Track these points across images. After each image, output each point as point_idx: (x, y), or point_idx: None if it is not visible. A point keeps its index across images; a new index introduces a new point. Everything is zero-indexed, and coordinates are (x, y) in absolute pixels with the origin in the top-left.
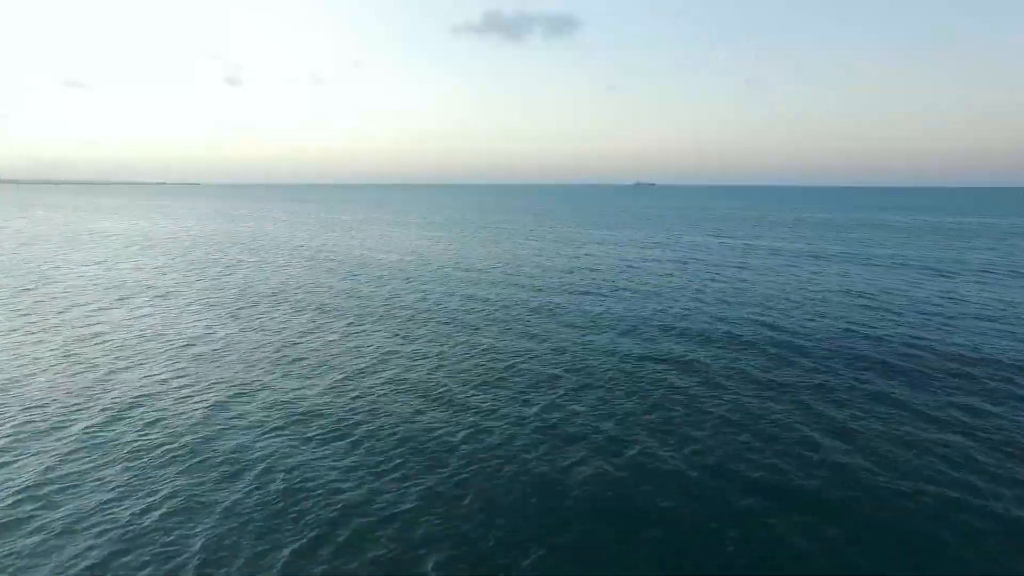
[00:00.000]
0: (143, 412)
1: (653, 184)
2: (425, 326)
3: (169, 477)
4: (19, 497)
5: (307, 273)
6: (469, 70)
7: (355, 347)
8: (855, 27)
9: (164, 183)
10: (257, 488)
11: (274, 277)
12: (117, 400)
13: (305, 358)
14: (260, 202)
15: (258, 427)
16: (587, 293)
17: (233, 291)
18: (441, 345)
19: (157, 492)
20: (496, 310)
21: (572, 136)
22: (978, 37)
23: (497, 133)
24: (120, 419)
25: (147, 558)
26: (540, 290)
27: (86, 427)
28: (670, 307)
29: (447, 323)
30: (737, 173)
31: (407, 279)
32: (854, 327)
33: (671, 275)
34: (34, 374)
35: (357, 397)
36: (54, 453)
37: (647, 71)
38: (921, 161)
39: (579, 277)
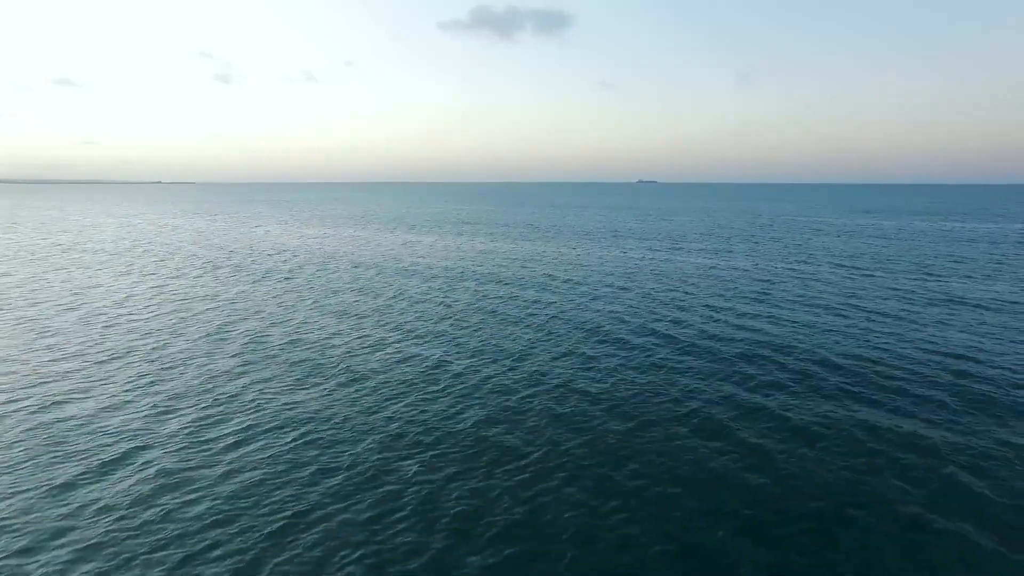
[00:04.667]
0: None
1: (655, 182)
2: None
3: None
4: None
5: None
6: (463, 68)
7: None
8: (850, 21)
9: (160, 182)
10: None
11: None
12: None
13: None
14: (229, 204)
15: None
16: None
17: None
18: None
19: None
20: None
21: (570, 134)
22: (978, 35)
23: (494, 131)
24: None
25: None
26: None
27: None
28: None
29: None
30: (739, 171)
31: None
32: None
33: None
34: None
35: None
36: None
37: (641, 67)
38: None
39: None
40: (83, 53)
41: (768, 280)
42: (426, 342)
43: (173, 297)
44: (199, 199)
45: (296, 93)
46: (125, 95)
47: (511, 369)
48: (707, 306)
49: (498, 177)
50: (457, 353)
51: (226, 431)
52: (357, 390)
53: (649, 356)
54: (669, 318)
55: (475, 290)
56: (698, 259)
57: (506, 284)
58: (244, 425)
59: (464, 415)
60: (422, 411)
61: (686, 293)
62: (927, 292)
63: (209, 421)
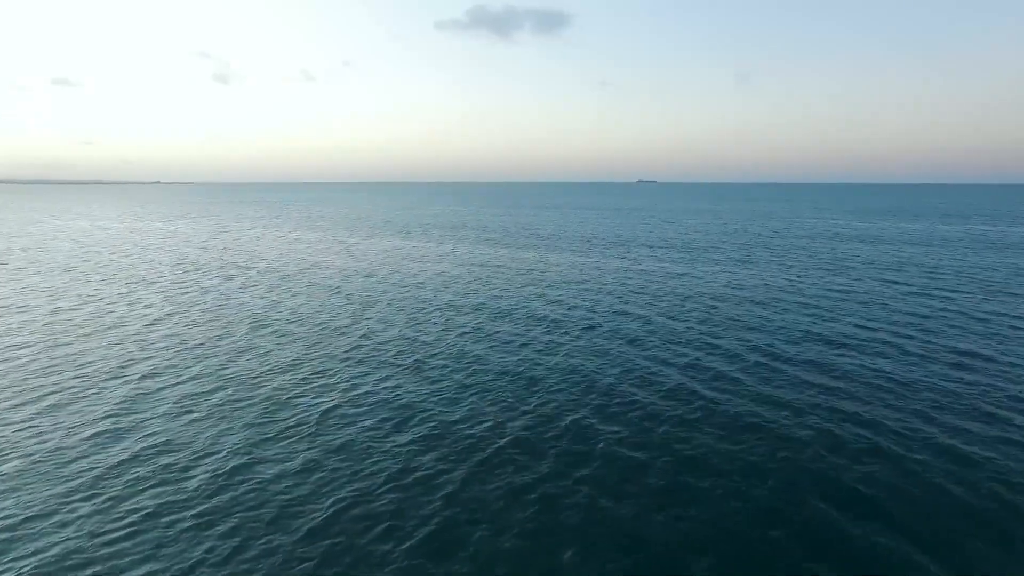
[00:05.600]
0: None
1: (654, 182)
2: None
3: None
4: None
5: None
6: (462, 68)
7: None
8: (848, 20)
9: (159, 182)
10: None
11: None
12: None
13: None
14: (217, 206)
15: None
16: None
17: None
18: None
19: None
20: None
21: (569, 134)
22: (978, 35)
23: (493, 131)
24: None
25: None
26: None
27: None
28: None
29: None
30: (739, 171)
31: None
32: None
33: None
34: None
35: None
36: None
37: (640, 67)
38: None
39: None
40: (81, 53)
41: (809, 303)
42: (370, 406)
43: (86, 323)
44: (190, 200)
45: (295, 93)
46: (124, 95)
47: (483, 458)
48: (741, 342)
49: (498, 177)
50: (409, 425)
51: (51, 548)
52: (258, 484)
53: (673, 431)
54: (693, 362)
55: (451, 321)
56: (716, 270)
57: (489, 311)
58: (88, 545)
59: (396, 563)
60: (345, 545)
61: (710, 322)
62: (1011, 320)
63: (34, 529)
